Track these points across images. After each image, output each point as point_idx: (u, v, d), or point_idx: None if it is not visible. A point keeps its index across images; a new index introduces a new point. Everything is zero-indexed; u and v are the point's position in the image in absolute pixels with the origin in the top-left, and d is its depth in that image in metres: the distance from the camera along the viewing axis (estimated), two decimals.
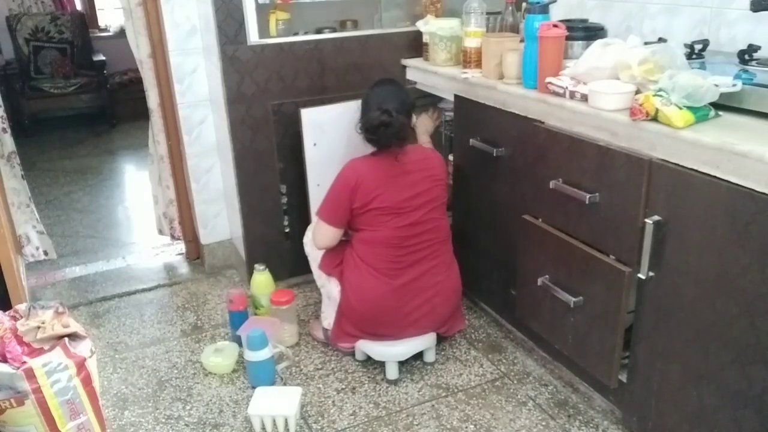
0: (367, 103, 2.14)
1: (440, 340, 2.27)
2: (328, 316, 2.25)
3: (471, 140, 2.23)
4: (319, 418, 1.99)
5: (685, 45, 1.82)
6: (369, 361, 2.22)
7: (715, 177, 1.40)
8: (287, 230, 2.69)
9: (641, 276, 1.61)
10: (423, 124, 2.48)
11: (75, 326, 1.83)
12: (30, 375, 1.66)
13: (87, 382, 1.78)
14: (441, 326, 2.19)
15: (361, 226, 2.10)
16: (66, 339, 1.77)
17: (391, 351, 2.12)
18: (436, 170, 2.13)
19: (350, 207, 2.06)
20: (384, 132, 2.02)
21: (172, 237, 3.10)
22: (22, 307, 1.83)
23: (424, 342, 2.16)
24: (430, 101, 2.60)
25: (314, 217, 2.29)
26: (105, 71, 5.55)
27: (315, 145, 2.45)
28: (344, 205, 2.06)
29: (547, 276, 1.92)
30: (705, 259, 1.46)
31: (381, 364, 2.18)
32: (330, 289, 2.22)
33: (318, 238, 2.15)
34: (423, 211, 2.08)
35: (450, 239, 2.21)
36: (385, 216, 2.05)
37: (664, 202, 1.53)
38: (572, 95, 1.78)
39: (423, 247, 2.09)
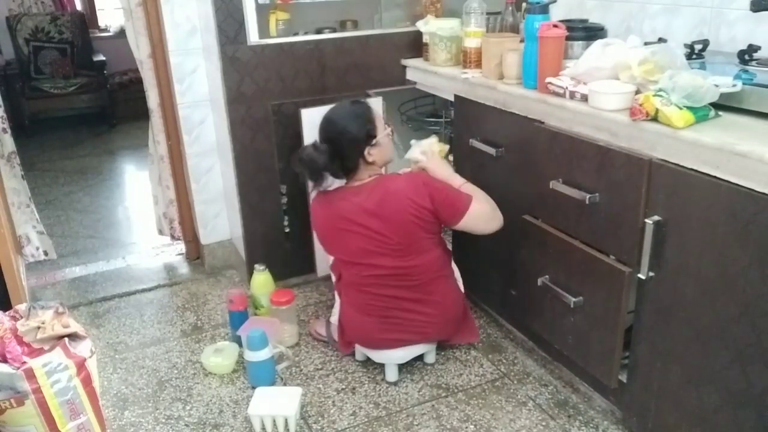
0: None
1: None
2: (336, 312, 2.24)
3: (471, 140, 2.23)
4: (319, 418, 1.99)
5: (685, 45, 1.82)
6: (369, 362, 2.22)
7: (715, 177, 1.40)
8: (287, 230, 2.69)
9: (641, 276, 1.61)
10: (431, 152, 2.12)
11: (75, 326, 1.83)
12: (30, 375, 1.66)
13: (87, 382, 1.78)
14: (445, 337, 2.15)
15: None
16: (66, 339, 1.77)
17: (391, 355, 2.11)
18: (403, 209, 1.87)
19: None
20: (304, 168, 1.94)
21: (172, 237, 3.10)
22: (22, 307, 1.83)
23: (424, 346, 2.15)
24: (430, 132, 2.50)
25: None
26: (105, 71, 5.55)
27: None
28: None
29: (547, 276, 1.92)
30: (705, 259, 1.46)
31: (381, 365, 2.18)
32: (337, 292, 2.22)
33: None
34: (392, 262, 1.90)
35: (443, 268, 2.03)
36: (346, 264, 1.98)
37: (664, 202, 1.53)
38: (572, 95, 1.78)
39: (403, 290, 1.95)
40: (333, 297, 2.30)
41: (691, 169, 1.45)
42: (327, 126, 1.98)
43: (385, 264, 1.92)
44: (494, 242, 2.25)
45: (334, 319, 2.25)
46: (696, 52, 1.81)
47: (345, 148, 1.94)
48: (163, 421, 2.02)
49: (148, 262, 3.10)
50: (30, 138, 5.24)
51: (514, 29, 2.26)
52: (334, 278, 2.20)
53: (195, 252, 3.06)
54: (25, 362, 1.67)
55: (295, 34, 2.64)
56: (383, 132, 2.01)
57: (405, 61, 2.63)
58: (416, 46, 2.60)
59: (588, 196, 1.70)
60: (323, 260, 2.47)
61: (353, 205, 1.91)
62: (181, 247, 3.13)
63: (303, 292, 2.70)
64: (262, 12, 2.48)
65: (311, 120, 2.41)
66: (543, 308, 1.98)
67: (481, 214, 1.97)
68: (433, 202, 1.90)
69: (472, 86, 2.20)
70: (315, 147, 1.94)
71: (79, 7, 6.08)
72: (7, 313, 1.82)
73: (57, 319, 1.80)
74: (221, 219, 2.91)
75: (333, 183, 1.98)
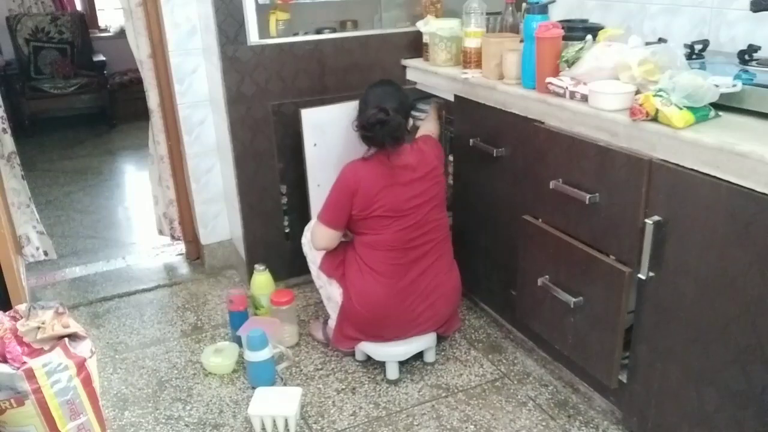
0: (365, 101, 2.14)
1: (440, 339, 2.27)
2: (332, 316, 2.25)
3: (471, 140, 2.23)
4: (319, 419, 1.99)
5: (685, 45, 1.82)
6: (369, 362, 2.22)
7: (715, 177, 1.40)
8: (287, 230, 2.69)
9: (641, 276, 1.61)
10: (431, 121, 2.46)
11: (75, 326, 1.83)
12: (30, 375, 1.66)
13: (87, 382, 1.78)
14: (441, 326, 2.19)
15: (362, 230, 2.10)
16: (66, 339, 1.77)
17: (392, 351, 2.12)
18: (434, 166, 2.12)
19: (350, 211, 2.06)
20: (380, 130, 2.01)
21: (172, 237, 3.10)
22: (22, 307, 1.83)
23: (425, 342, 2.16)
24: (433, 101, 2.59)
25: (313, 218, 2.28)
26: (105, 71, 5.56)
27: (315, 145, 2.45)
28: (344, 209, 2.07)
29: (547, 276, 1.92)
30: (705, 259, 1.46)
31: (381, 364, 2.18)
32: (330, 291, 2.21)
33: (317, 240, 2.15)
34: (424, 211, 2.08)
35: (449, 237, 2.21)
36: (386, 220, 2.05)
37: (664, 202, 1.53)
38: (572, 95, 1.78)
39: (425, 247, 2.10)
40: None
41: (691, 169, 1.45)
42: (394, 94, 2.15)
43: (422, 212, 2.09)
44: (494, 242, 2.26)
45: (332, 322, 2.25)
46: (696, 52, 1.81)
47: (407, 113, 2.17)
48: (163, 421, 2.02)
49: (148, 263, 3.10)
50: (30, 138, 5.24)
51: (514, 29, 2.26)
52: (325, 276, 2.20)
53: (195, 252, 3.06)
54: (25, 362, 1.67)
55: (295, 34, 2.64)
56: None
57: (405, 62, 2.63)
58: (416, 46, 2.60)
59: (588, 196, 1.70)
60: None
61: (402, 163, 2.07)
62: (181, 247, 3.13)
63: (303, 293, 2.70)
64: (262, 12, 2.47)
65: (311, 120, 2.41)
66: (543, 308, 1.98)
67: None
68: (440, 158, 2.19)
69: (472, 86, 2.20)
70: (389, 111, 2.01)
71: (79, 7, 6.08)
72: (7, 313, 1.82)
73: (57, 319, 1.80)
74: (221, 219, 2.91)
75: (369, 153, 2.12)
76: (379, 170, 2.05)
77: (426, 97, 2.59)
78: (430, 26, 2.43)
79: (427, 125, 2.42)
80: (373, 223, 2.06)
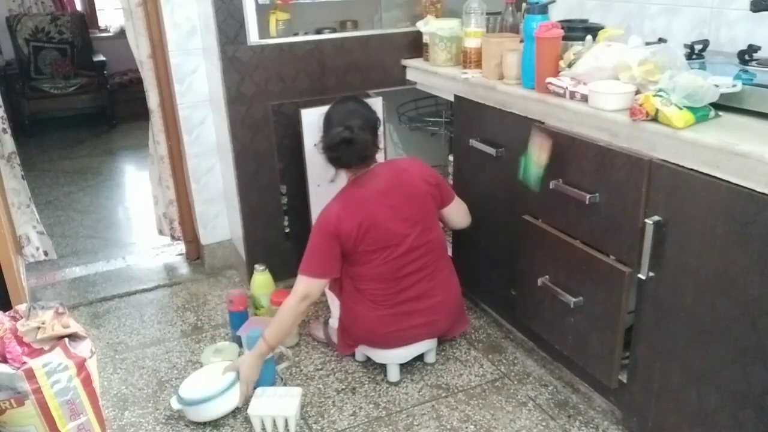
0: (329, 120, 2.05)
1: (441, 340, 2.27)
2: (335, 315, 2.24)
3: (471, 140, 2.23)
4: (319, 419, 1.99)
5: (685, 45, 1.82)
6: (369, 362, 2.22)
7: (715, 177, 1.40)
8: (287, 230, 2.69)
9: (641, 276, 1.61)
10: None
11: (75, 327, 1.83)
12: (30, 375, 1.66)
13: (87, 382, 1.78)
14: (442, 335, 2.18)
15: (350, 264, 2.02)
16: (66, 339, 1.77)
17: (393, 354, 2.11)
18: (417, 183, 2.01)
19: (337, 256, 1.96)
20: (345, 150, 1.92)
21: (173, 237, 3.10)
22: (22, 307, 1.83)
23: (426, 345, 2.16)
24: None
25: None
26: (105, 71, 5.55)
27: (315, 145, 2.44)
28: (330, 255, 1.95)
29: (547, 276, 1.92)
30: (705, 259, 1.46)
31: (381, 365, 2.18)
32: (332, 296, 2.22)
33: (298, 291, 1.96)
34: (413, 235, 1.99)
35: (445, 251, 2.14)
36: (373, 253, 1.97)
37: (664, 202, 1.53)
38: (572, 95, 1.78)
39: (419, 274, 2.02)
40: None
41: (691, 169, 1.45)
42: (362, 112, 2.06)
43: (410, 238, 1.98)
44: (494, 242, 2.26)
45: (333, 321, 2.25)
46: (696, 52, 1.81)
47: (375, 132, 2.05)
48: (163, 421, 2.02)
49: (148, 263, 3.10)
50: (30, 138, 5.24)
51: (514, 29, 2.26)
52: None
53: (195, 252, 3.06)
54: (25, 362, 1.67)
55: (295, 34, 2.64)
56: None
57: (405, 62, 2.63)
58: (416, 46, 2.60)
59: (588, 196, 1.70)
60: None
61: (375, 189, 1.98)
62: (181, 247, 3.13)
63: None
64: (262, 12, 2.48)
65: (311, 120, 2.41)
66: (543, 308, 1.98)
67: (463, 204, 2.22)
68: (436, 177, 2.10)
69: (472, 86, 2.20)
70: (354, 129, 1.92)
71: (79, 7, 6.08)
72: (7, 313, 1.82)
73: (57, 319, 1.80)
74: (221, 219, 2.91)
75: (336, 176, 2.05)
76: (351, 206, 1.95)
77: (426, 97, 2.59)
78: (430, 26, 2.43)
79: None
80: (359, 258, 1.98)
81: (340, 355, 2.26)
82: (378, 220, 1.95)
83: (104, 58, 5.61)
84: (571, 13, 2.45)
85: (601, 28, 2.01)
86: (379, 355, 2.14)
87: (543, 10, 1.90)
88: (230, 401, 1.96)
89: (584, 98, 1.73)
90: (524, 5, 2.14)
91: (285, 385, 2.15)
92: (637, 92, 1.63)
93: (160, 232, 3.15)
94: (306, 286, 1.96)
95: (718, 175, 1.39)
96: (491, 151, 2.12)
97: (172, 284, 2.87)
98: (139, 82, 2.93)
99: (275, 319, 2.00)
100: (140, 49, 2.72)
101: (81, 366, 1.76)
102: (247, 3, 2.34)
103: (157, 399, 2.12)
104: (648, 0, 2.23)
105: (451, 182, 2.44)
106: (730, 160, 1.36)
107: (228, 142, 2.51)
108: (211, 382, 1.97)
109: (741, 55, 1.72)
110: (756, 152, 1.30)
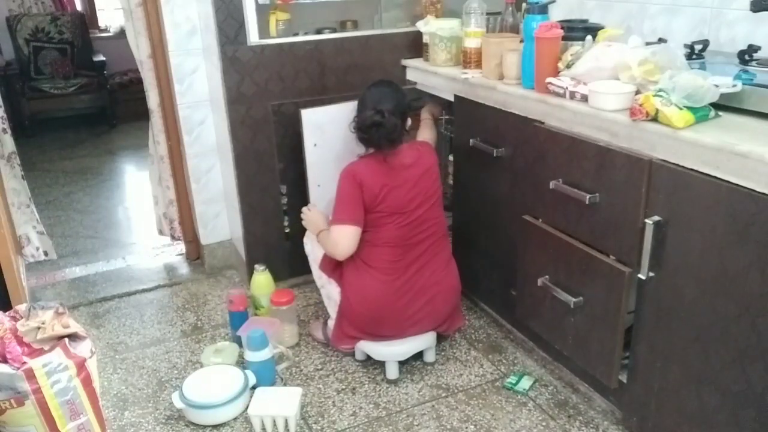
0: (363, 102, 2.15)
1: (440, 339, 2.27)
2: (332, 316, 2.25)
3: (471, 140, 2.23)
4: (319, 419, 1.99)
5: (685, 45, 1.82)
6: (369, 362, 2.22)
7: (715, 177, 1.40)
8: (287, 230, 2.69)
9: (641, 276, 1.61)
10: (427, 128, 2.46)
11: (75, 327, 1.83)
12: (30, 375, 1.66)
13: (87, 382, 1.78)
14: (441, 324, 2.19)
15: (363, 229, 2.09)
16: (66, 339, 1.77)
17: (392, 351, 2.12)
18: (431, 165, 2.15)
19: (363, 203, 2.05)
20: (375, 132, 2.03)
21: (173, 237, 3.10)
22: (22, 307, 1.83)
23: (425, 341, 2.16)
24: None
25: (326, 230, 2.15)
26: (105, 72, 5.55)
27: (315, 145, 2.45)
28: (358, 202, 2.05)
29: (547, 276, 1.92)
30: (705, 259, 1.46)
31: (381, 364, 2.18)
32: (330, 290, 2.22)
33: (340, 246, 2.06)
34: (424, 208, 2.10)
35: (447, 235, 2.22)
36: (388, 217, 2.07)
37: (664, 202, 1.53)
38: (572, 95, 1.78)
39: (423, 245, 2.11)
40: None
41: (691, 170, 1.45)
42: (391, 95, 2.14)
43: (422, 209, 2.10)
44: (494, 242, 2.26)
45: (332, 322, 2.25)
46: (696, 52, 1.81)
47: (405, 114, 2.15)
48: (163, 421, 2.02)
49: (148, 263, 3.10)
50: (30, 138, 5.24)
51: (514, 29, 2.26)
52: (324, 276, 2.21)
53: (195, 252, 3.06)
54: (25, 362, 1.67)
55: (295, 34, 2.64)
56: None
57: (405, 62, 2.63)
58: (416, 46, 2.60)
59: (588, 196, 1.70)
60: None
61: (401, 162, 2.10)
62: (181, 247, 3.13)
63: (303, 293, 2.70)
64: (262, 12, 2.48)
65: (311, 120, 2.41)
66: (543, 308, 1.98)
67: None
68: (436, 164, 2.20)
69: (472, 86, 2.20)
70: (384, 114, 2.02)
71: (79, 7, 6.08)
72: (7, 313, 1.82)
73: (57, 319, 1.80)
74: (221, 219, 2.91)
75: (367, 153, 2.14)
76: (377, 169, 2.07)
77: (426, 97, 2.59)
78: (430, 26, 2.43)
79: (425, 133, 2.43)
80: (374, 220, 2.07)
81: (335, 348, 2.26)
82: (399, 186, 2.07)
83: (104, 58, 5.61)
84: (571, 13, 2.45)
85: (601, 28, 2.01)
86: (378, 351, 2.14)
87: (543, 10, 1.90)
88: (235, 410, 1.98)
89: (584, 98, 1.73)
90: (524, 5, 2.14)
91: (285, 385, 2.15)
92: (637, 92, 1.63)
93: (160, 232, 3.15)
94: (345, 234, 2.06)
95: (718, 175, 1.39)
96: (491, 150, 2.12)
97: (172, 284, 2.87)
98: (139, 82, 2.93)
99: (321, 236, 2.15)
100: (140, 49, 2.72)
101: (81, 366, 1.76)
102: (247, 3, 2.34)
103: (157, 399, 2.12)
104: (648, 0, 2.23)
105: (451, 182, 2.44)
106: (730, 160, 1.36)
107: (228, 142, 2.51)
108: (218, 386, 1.98)
109: (741, 55, 1.72)
110: (756, 152, 1.30)
